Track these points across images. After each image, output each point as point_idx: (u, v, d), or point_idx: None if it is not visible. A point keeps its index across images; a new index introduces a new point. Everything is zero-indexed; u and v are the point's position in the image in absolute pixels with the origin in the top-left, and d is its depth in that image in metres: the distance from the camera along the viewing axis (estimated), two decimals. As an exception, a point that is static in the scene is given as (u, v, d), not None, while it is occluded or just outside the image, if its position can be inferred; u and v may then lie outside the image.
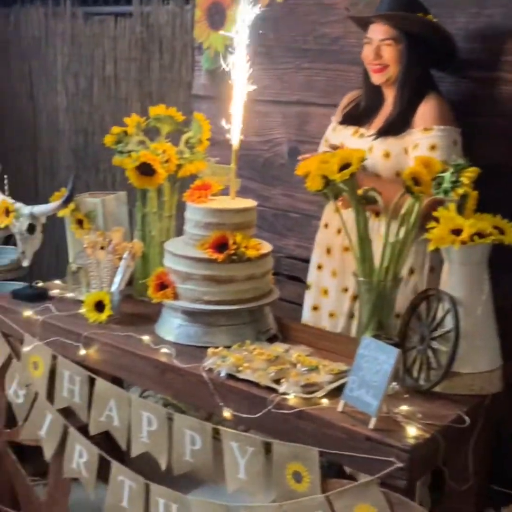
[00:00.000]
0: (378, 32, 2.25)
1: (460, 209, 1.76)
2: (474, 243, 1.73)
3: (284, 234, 3.17)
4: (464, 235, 1.73)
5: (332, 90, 2.86)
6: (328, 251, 2.42)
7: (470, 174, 1.78)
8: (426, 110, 2.22)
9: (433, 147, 2.17)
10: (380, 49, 2.25)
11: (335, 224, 2.36)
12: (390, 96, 2.32)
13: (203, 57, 3.26)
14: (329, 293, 2.43)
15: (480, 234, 1.73)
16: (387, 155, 2.24)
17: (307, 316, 2.52)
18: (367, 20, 2.29)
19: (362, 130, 2.35)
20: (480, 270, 1.81)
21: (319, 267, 2.47)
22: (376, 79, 2.30)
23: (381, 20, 2.23)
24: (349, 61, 2.76)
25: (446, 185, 1.79)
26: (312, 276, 2.53)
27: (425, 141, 2.18)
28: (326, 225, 2.45)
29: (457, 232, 1.75)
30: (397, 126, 2.25)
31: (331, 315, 2.41)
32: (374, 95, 2.36)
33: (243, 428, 2.15)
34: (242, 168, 3.10)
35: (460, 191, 1.76)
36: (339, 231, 2.35)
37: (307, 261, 3.16)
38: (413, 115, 2.23)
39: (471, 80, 2.41)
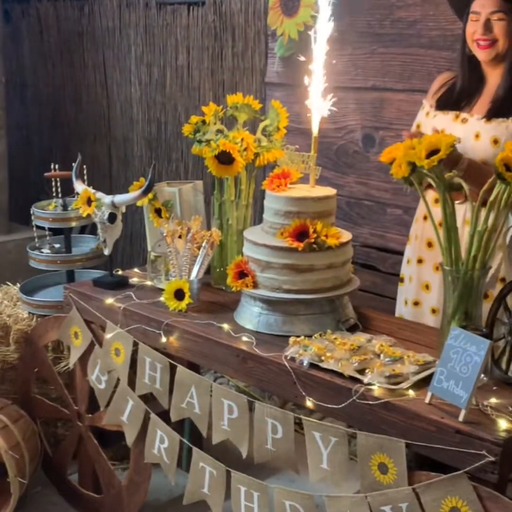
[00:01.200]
0: (487, 4, 2.12)
1: (554, 197, 1.69)
2: None
3: (358, 222, 3.14)
4: (558, 223, 1.66)
5: (409, 74, 2.81)
6: (429, 244, 2.33)
7: None
8: None
9: None
10: (490, 22, 2.12)
11: (436, 217, 2.26)
12: (494, 75, 2.20)
13: (276, 44, 3.24)
14: (432, 288, 2.33)
15: None
16: (496, 141, 2.13)
17: (404, 311, 2.45)
18: None
19: (464, 114, 2.22)
20: None
21: (420, 261, 2.36)
22: (484, 56, 2.17)
23: None
24: (427, 44, 2.70)
25: (539, 171, 1.72)
26: (408, 269, 2.44)
27: None
28: (425, 218, 2.34)
29: (550, 220, 1.69)
30: (507, 108, 2.14)
31: (434, 311, 2.33)
32: (474, 76, 2.23)
33: (319, 416, 2.14)
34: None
35: (555, 177, 1.69)
36: (440, 225, 2.26)
37: (382, 249, 3.13)
38: None
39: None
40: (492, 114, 2.15)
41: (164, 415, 2.21)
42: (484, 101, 2.21)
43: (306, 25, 3.04)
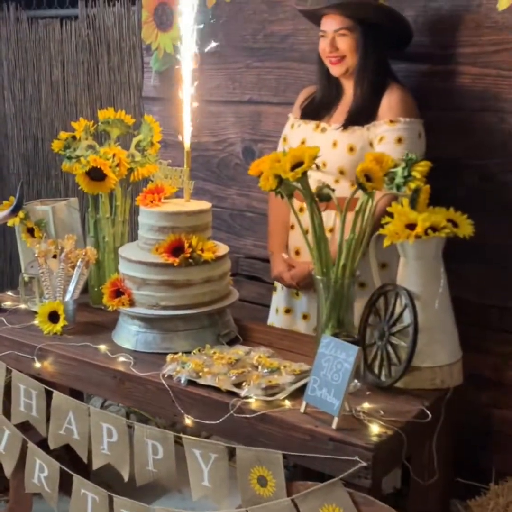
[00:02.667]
0: (331, 23, 2.22)
1: (413, 204, 1.76)
2: (428, 237, 1.73)
3: (242, 234, 3.15)
4: (418, 230, 1.72)
5: (283, 87, 2.84)
6: (297, 252, 2.38)
7: (421, 168, 1.78)
8: (391, 101, 2.19)
9: (399, 140, 2.15)
10: (335, 40, 2.22)
11: (302, 225, 2.30)
12: (349, 87, 2.29)
13: (152, 58, 3.21)
14: (301, 294, 2.38)
15: (434, 228, 1.73)
16: (351, 149, 2.21)
17: (275, 319, 2.48)
18: (319, 12, 2.25)
19: (323, 124, 2.31)
20: (435, 264, 1.81)
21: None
22: (335, 71, 2.27)
23: (333, 10, 2.20)
24: (299, 58, 2.75)
25: (398, 180, 1.79)
26: None
27: (391, 134, 2.16)
28: (292, 227, 2.40)
29: (411, 226, 1.75)
30: (361, 117, 2.22)
31: (305, 316, 2.37)
32: (331, 88, 2.33)
33: (206, 434, 2.12)
34: (197, 169, 3.07)
35: (412, 185, 1.76)
36: (307, 232, 2.30)
37: (266, 260, 3.15)
38: (378, 106, 2.21)
39: (422, 73, 2.41)
40: (348, 123, 2.24)
41: (44, 443, 2.13)
42: (342, 111, 2.30)
43: (181, 39, 3.03)
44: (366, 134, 2.22)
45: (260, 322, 2.49)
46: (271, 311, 2.53)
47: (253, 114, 2.97)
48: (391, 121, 2.17)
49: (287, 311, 2.43)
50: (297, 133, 2.37)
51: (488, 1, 2.24)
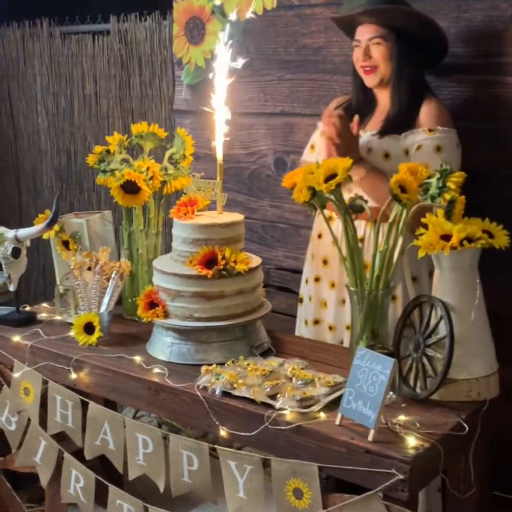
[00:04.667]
0: (365, 32, 2.21)
1: (448, 215, 1.75)
2: (464, 248, 1.72)
3: (273, 245, 3.16)
4: (454, 241, 1.71)
5: (316, 100, 2.86)
6: (325, 262, 2.37)
7: (456, 179, 1.77)
8: (430, 111, 2.19)
9: (438, 148, 2.14)
10: (369, 49, 2.21)
11: (330, 234, 2.32)
12: (383, 98, 2.29)
13: (183, 72, 3.25)
14: (328, 306, 2.37)
15: (470, 239, 1.72)
16: (387, 155, 2.21)
17: (304, 330, 2.47)
18: (353, 21, 2.25)
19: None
20: (471, 275, 1.79)
21: (317, 279, 2.40)
22: (369, 81, 2.27)
23: (366, 17, 2.20)
24: (332, 70, 2.76)
25: (433, 191, 1.78)
26: (306, 289, 2.48)
27: (430, 142, 2.15)
28: (319, 236, 2.40)
29: (446, 237, 1.74)
30: (399, 126, 2.21)
31: (331, 328, 2.37)
32: (365, 99, 2.33)
33: (238, 445, 2.13)
34: (229, 181, 3.10)
35: (447, 196, 1.75)
36: (334, 242, 2.31)
37: (297, 271, 3.16)
38: (416, 115, 2.20)
39: (455, 84, 2.41)
40: (385, 130, 2.23)
41: (80, 454, 2.15)
42: (376, 120, 2.30)
43: (213, 53, 3.06)
44: (403, 141, 2.20)
45: (290, 333, 2.49)
46: (298, 323, 2.52)
47: (285, 126, 2.99)
48: (430, 130, 2.16)
49: (316, 322, 2.43)
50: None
51: (521, 11, 2.24)
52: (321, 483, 1.68)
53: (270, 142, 3.05)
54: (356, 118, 2.16)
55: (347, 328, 2.30)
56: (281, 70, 2.95)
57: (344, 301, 2.32)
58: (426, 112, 2.19)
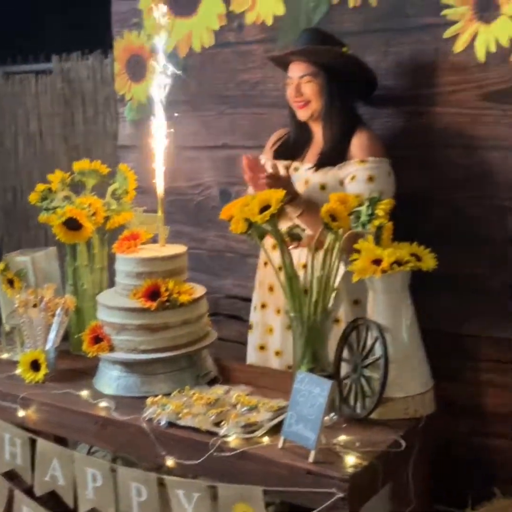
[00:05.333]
0: (296, 70, 2.33)
1: (378, 240, 1.83)
2: (394, 271, 1.80)
3: (222, 274, 3.20)
4: (384, 265, 1.80)
5: (256, 132, 2.93)
6: (271, 289, 2.44)
7: (384, 206, 1.85)
8: (361, 142, 2.28)
9: (370, 178, 2.23)
10: (300, 86, 2.32)
11: (275, 262, 2.37)
12: (318, 131, 2.39)
13: (126, 108, 3.29)
14: (274, 331, 2.43)
15: (399, 262, 1.80)
16: (323, 187, 2.29)
17: (253, 356, 2.52)
18: (285, 60, 2.37)
19: (295, 163, 2.40)
20: (402, 296, 1.87)
21: (263, 306, 2.47)
22: (301, 115, 2.37)
23: (297, 57, 2.31)
24: (269, 104, 2.85)
25: (363, 218, 1.86)
26: (255, 315, 2.53)
27: (362, 173, 2.24)
28: (265, 264, 2.46)
29: (377, 262, 1.82)
30: (332, 159, 2.30)
31: (277, 353, 2.41)
32: (302, 131, 2.43)
33: (191, 475, 2.15)
34: (175, 212, 3.14)
35: (376, 223, 1.83)
36: (280, 269, 2.37)
37: (246, 299, 3.20)
38: (347, 147, 2.29)
39: (387, 115, 2.51)
40: (320, 164, 2.33)
41: (31, 490, 2.14)
42: (313, 152, 2.39)
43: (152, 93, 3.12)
44: (337, 173, 2.29)
45: (241, 360, 2.53)
46: (249, 349, 2.57)
47: (228, 158, 3.05)
48: (362, 161, 2.25)
49: (262, 348, 2.48)
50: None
51: (445, 44, 2.35)
52: (275, 508, 1.72)
53: (214, 174, 3.10)
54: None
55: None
56: (221, 105, 3.02)
57: (289, 327, 2.37)
58: (357, 143, 2.29)
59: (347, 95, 2.35)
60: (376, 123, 2.51)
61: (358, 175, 2.24)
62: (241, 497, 1.71)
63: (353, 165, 2.27)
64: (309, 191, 2.29)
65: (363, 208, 1.86)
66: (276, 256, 2.11)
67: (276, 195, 1.82)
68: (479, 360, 2.39)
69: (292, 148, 2.44)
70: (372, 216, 1.83)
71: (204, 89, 3.04)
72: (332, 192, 2.20)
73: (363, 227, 1.86)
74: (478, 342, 2.39)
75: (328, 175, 2.30)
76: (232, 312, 3.19)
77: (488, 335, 2.36)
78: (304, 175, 2.34)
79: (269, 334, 2.45)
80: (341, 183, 2.28)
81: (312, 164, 2.34)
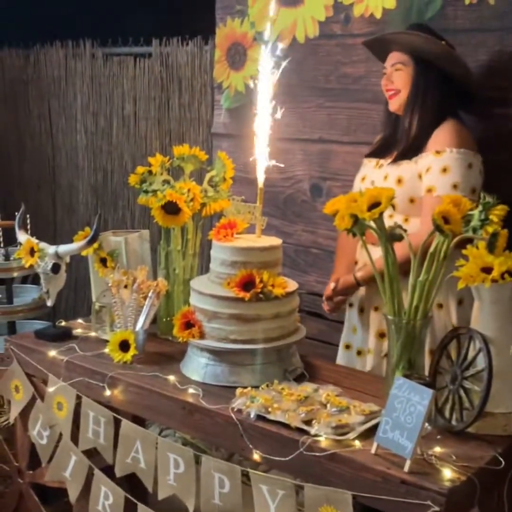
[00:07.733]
0: (390, 59, 2.33)
1: (491, 248, 1.75)
2: (505, 282, 1.72)
3: (305, 270, 3.17)
4: (495, 273, 1.71)
5: (354, 128, 2.89)
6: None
7: (499, 212, 1.77)
8: (439, 133, 2.23)
9: (444, 170, 2.17)
10: (391, 75, 2.32)
11: (362, 260, 2.35)
12: (405, 124, 2.34)
13: (223, 96, 3.29)
14: (357, 331, 2.43)
15: (510, 272, 1.72)
16: (400, 180, 2.25)
17: (340, 355, 2.52)
18: (381, 46, 2.36)
19: (381, 161, 2.37)
20: (510, 308, 1.79)
21: (350, 305, 2.46)
22: (391, 105, 2.35)
23: (388, 44, 2.31)
24: (371, 99, 2.79)
25: (475, 223, 1.79)
26: (345, 314, 2.52)
27: (436, 163, 2.18)
28: (355, 262, 2.44)
29: (487, 270, 1.74)
30: (410, 152, 2.27)
31: (359, 353, 2.40)
32: (392, 125, 2.40)
33: (264, 468, 2.12)
34: (264, 204, 3.11)
35: (490, 229, 1.75)
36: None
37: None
38: (427, 140, 2.24)
39: (496, 116, 2.42)
40: (398, 158, 2.29)
41: (109, 470, 2.16)
42: (398, 147, 2.34)
43: (253, 78, 3.10)
44: (415, 167, 2.25)
45: (321, 358, 2.49)
46: (339, 349, 2.54)
47: (322, 152, 3.01)
48: (437, 152, 2.20)
49: (347, 347, 2.47)
50: (362, 171, 2.45)
51: None
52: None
53: (306, 168, 3.07)
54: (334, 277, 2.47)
55: (369, 352, 2.35)
56: (320, 98, 2.98)
57: (368, 326, 2.36)
58: (436, 135, 2.23)
59: (437, 90, 2.27)
60: (483, 124, 2.42)
61: (433, 167, 2.19)
62: (327, 499, 1.67)
63: (428, 156, 2.22)
64: (387, 185, 2.24)
65: (476, 212, 1.79)
66: (363, 255, 2.04)
67: (386, 193, 1.76)
68: None
69: (383, 144, 2.42)
70: (485, 221, 1.75)
71: (304, 80, 3.00)
72: (409, 185, 2.22)
73: (474, 232, 1.79)
74: None
75: (405, 167, 2.26)
76: (313, 309, 3.16)
77: None
78: (385, 170, 2.31)
79: (354, 333, 2.44)
80: (420, 176, 2.23)
81: (391, 159, 2.31)
